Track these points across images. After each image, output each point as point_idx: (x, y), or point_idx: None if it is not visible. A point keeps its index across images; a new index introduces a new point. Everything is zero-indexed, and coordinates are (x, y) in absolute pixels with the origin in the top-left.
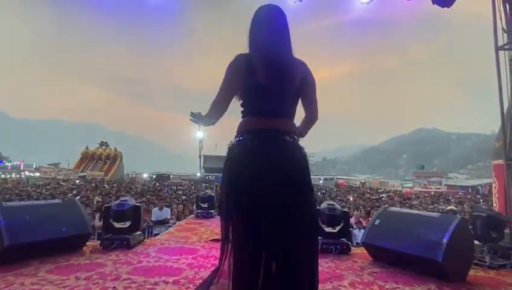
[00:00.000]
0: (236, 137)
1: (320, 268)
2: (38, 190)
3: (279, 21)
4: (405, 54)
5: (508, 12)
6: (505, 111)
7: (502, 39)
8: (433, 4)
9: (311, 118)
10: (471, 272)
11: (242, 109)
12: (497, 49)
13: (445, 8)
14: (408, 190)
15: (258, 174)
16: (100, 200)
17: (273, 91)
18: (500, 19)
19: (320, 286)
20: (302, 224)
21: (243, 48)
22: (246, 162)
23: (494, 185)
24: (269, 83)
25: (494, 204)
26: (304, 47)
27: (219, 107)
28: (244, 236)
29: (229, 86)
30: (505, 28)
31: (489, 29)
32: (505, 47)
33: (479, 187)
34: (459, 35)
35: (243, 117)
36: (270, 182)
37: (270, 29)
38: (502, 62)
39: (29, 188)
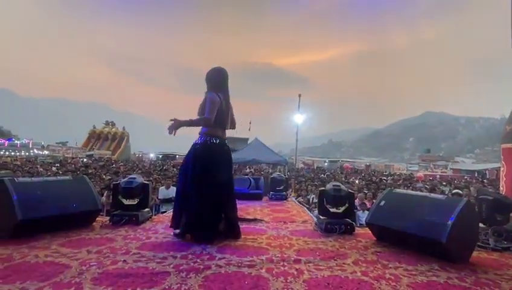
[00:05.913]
0: (211, 138)
1: (324, 247)
2: (48, 168)
3: (226, 78)
4: (415, 34)
5: None
6: None
7: None
8: None
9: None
10: (475, 254)
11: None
12: None
13: None
14: (420, 174)
15: (216, 156)
16: (111, 177)
17: (225, 115)
18: None
19: (324, 263)
20: (230, 182)
21: (248, 28)
22: (211, 151)
23: (502, 168)
24: (224, 110)
25: (501, 188)
26: (312, 27)
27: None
28: (212, 184)
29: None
30: None
31: (503, 9)
32: None
33: (486, 171)
34: (471, 15)
35: (213, 127)
36: (222, 160)
37: (222, 86)
38: None
39: (38, 166)
